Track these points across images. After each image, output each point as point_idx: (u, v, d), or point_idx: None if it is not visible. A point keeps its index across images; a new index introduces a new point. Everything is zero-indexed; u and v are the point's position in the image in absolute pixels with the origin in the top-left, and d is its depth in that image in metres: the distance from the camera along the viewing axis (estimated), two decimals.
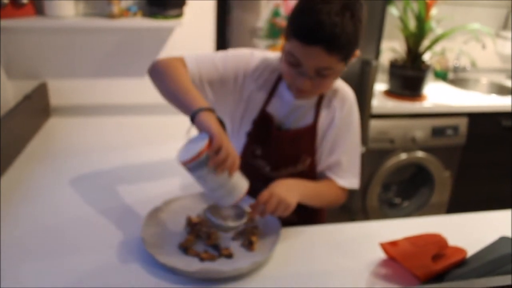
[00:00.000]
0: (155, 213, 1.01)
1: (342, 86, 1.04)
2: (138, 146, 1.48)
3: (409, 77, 2.02)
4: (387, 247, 0.94)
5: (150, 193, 1.16)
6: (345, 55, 0.88)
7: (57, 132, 1.57)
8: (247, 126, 1.03)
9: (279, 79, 1.01)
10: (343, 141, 1.04)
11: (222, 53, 0.99)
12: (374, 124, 1.92)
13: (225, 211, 0.93)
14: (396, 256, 0.92)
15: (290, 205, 0.91)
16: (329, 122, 1.03)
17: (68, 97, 1.73)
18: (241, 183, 0.86)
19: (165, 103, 0.91)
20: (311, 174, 1.06)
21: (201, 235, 0.95)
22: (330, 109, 1.02)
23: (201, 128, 0.81)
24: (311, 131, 1.02)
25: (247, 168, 1.06)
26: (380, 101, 2.01)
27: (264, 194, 0.91)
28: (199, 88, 0.95)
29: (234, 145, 1.08)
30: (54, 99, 1.71)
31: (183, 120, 0.89)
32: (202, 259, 0.89)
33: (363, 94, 1.80)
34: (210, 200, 1.02)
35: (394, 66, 2.06)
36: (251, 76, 1.00)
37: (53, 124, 1.64)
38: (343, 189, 1.06)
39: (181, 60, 0.95)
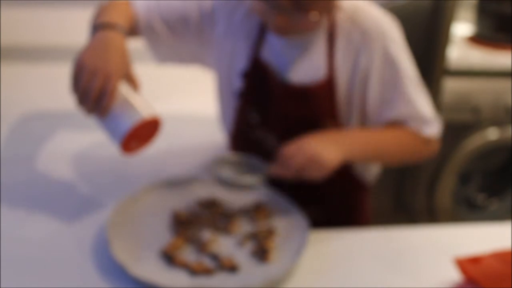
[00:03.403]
0: (127, 203, 1.02)
1: (362, 8, 1.03)
2: None
3: (507, 15, 1.97)
4: (466, 264, 0.94)
5: (120, 172, 1.17)
6: None
7: (6, 85, 1.57)
8: (236, 84, 1.07)
9: None
10: (395, 87, 1.03)
11: None
12: (450, 85, 1.89)
13: (235, 166, 1.01)
14: (478, 278, 0.92)
15: (326, 162, 0.94)
16: (351, 70, 1.03)
17: (22, 34, 1.72)
18: (132, 108, 0.90)
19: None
20: None
21: (193, 239, 0.96)
22: (349, 51, 1.02)
23: None
24: (327, 86, 1.03)
25: (244, 144, 1.11)
26: (461, 51, 1.98)
27: (290, 147, 0.96)
28: (149, 30, 1.07)
29: (227, 115, 1.14)
30: (6, 37, 1.70)
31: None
32: (193, 272, 0.89)
33: (435, 40, 1.76)
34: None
35: None
36: (224, 12, 1.05)
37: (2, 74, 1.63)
38: (425, 140, 1.07)
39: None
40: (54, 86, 1.57)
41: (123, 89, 0.91)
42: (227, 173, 0.99)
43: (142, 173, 1.17)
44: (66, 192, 1.12)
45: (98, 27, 0.96)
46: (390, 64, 1.03)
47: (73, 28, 1.73)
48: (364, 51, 1.02)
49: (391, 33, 1.03)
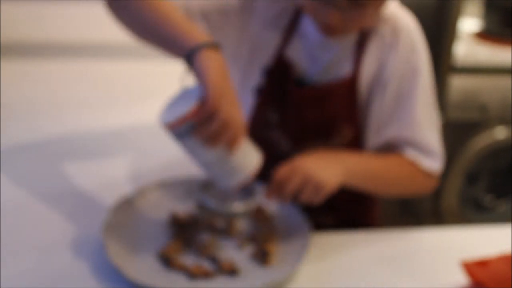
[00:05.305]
0: (124, 205, 1.02)
1: (396, 13, 1.02)
2: (111, 104, 1.49)
3: None
4: (473, 268, 0.94)
5: (118, 173, 1.17)
6: None
7: (5, 82, 1.57)
8: (254, 79, 1.05)
9: (298, 12, 1.01)
10: (406, 102, 1.01)
11: None
12: (457, 82, 1.89)
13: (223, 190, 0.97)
14: (486, 282, 0.92)
15: (324, 184, 0.90)
16: (376, 70, 1.02)
17: (23, 31, 1.72)
18: (248, 158, 0.88)
19: None
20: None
21: (191, 241, 0.96)
22: (378, 48, 1.01)
23: (198, 76, 0.82)
24: (349, 85, 1.02)
25: (258, 144, 1.08)
26: (468, 48, 1.98)
27: (283, 169, 0.92)
28: None
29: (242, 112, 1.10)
30: (5, 34, 1.71)
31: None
32: (192, 276, 0.89)
33: (441, 36, 1.78)
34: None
35: None
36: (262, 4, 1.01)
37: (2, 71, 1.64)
38: (425, 173, 1.04)
39: None
40: (54, 83, 1.59)
41: None
42: (213, 199, 0.95)
43: (142, 173, 1.18)
44: (62, 194, 1.12)
45: (201, 47, 0.83)
46: (410, 72, 1.01)
47: (74, 25, 1.75)
48: (392, 50, 1.00)
49: (418, 36, 1.02)
